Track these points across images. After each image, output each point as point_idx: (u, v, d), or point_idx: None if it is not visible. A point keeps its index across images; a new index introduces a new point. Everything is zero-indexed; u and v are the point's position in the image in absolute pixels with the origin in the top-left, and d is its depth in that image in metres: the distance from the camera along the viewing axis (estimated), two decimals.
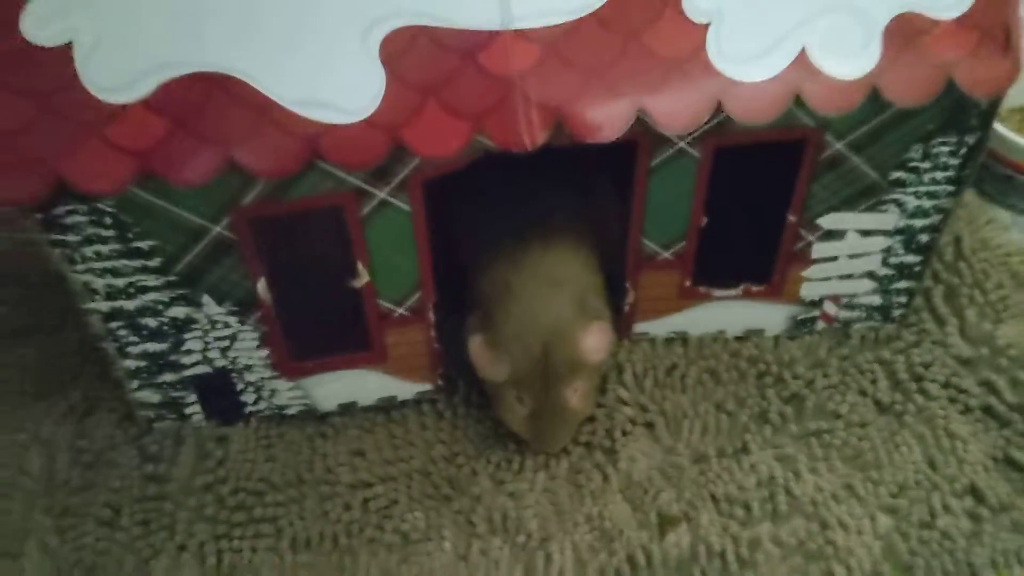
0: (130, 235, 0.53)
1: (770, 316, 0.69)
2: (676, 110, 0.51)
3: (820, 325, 0.69)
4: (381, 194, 0.54)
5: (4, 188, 0.48)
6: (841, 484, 0.61)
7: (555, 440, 0.63)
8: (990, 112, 0.56)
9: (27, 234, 0.80)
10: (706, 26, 0.51)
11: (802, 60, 0.52)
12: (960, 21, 0.52)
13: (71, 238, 0.53)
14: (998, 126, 0.76)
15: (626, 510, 0.61)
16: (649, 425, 0.66)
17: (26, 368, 0.70)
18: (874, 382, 0.66)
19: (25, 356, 0.71)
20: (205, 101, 0.49)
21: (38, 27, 0.48)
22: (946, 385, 0.66)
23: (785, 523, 0.59)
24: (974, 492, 0.60)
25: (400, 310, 0.61)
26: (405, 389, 0.66)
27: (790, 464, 0.62)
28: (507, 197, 0.66)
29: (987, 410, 0.65)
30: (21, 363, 0.70)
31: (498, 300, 0.62)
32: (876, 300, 0.68)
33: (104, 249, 0.54)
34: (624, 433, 0.65)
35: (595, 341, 0.60)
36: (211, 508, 0.61)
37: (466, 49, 0.50)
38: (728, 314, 0.68)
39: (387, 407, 0.67)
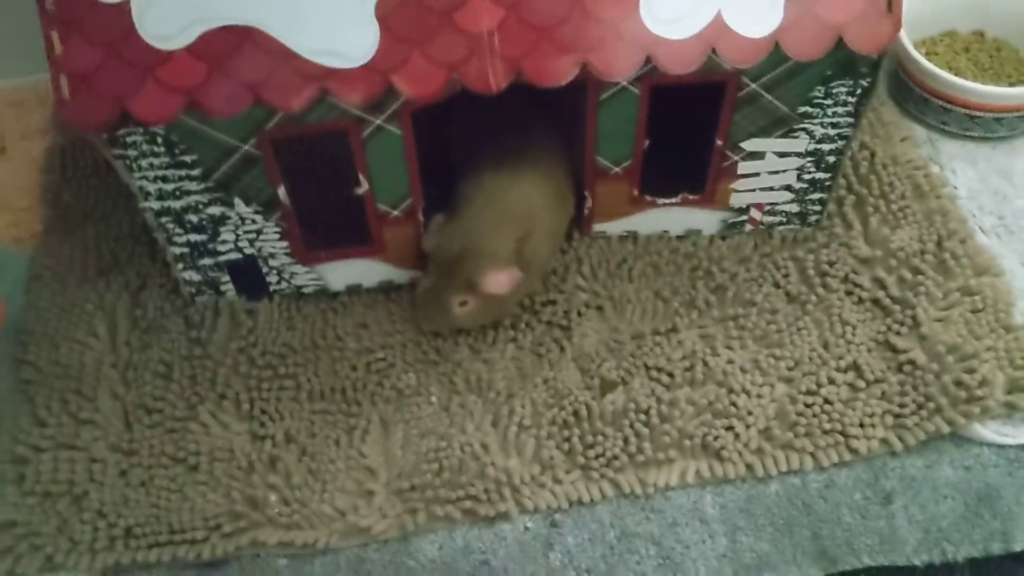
0: (177, 151, 0.67)
1: (706, 219, 0.82)
2: (613, 61, 0.64)
3: (747, 227, 0.83)
4: (377, 121, 0.67)
5: (82, 116, 0.62)
6: (749, 359, 0.76)
7: (427, 321, 0.76)
8: (878, 61, 0.67)
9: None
10: None
11: (717, 21, 0.63)
12: None
13: (131, 153, 0.66)
14: (916, 54, 0.87)
15: (576, 375, 0.76)
16: (600, 308, 0.80)
17: (88, 249, 0.84)
18: (786, 276, 0.80)
19: (87, 238, 0.85)
20: (236, 49, 0.62)
21: None
22: (845, 280, 0.79)
23: (700, 388, 0.74)
24: (856, 368, 0.75)
25: (395, 212, 0.75)
26: (400, 275, 0.80)
27: (710, 342, 0.77)
28: (492, 120, 0.78)
29: (875, 302, 0.78)
30: (84, 244, 0.85)
31: (462, 203, 0.75)
32: (794, 208, 0.81)
33: (156, 162, 0.67)
34: (579, 314, 0.79)
35: (496, 280, 0.70)
36: (244, 366, 0.76)
37: (444, 10, 0.62)
38: (670, 218, 0.81)
39: (386, 289, 0.81)
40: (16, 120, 0.97)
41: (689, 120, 0.73)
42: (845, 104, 0.71)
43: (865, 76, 0.68)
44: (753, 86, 0.69)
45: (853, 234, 0.82)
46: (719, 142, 0.74)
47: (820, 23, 0.64)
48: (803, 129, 0.73)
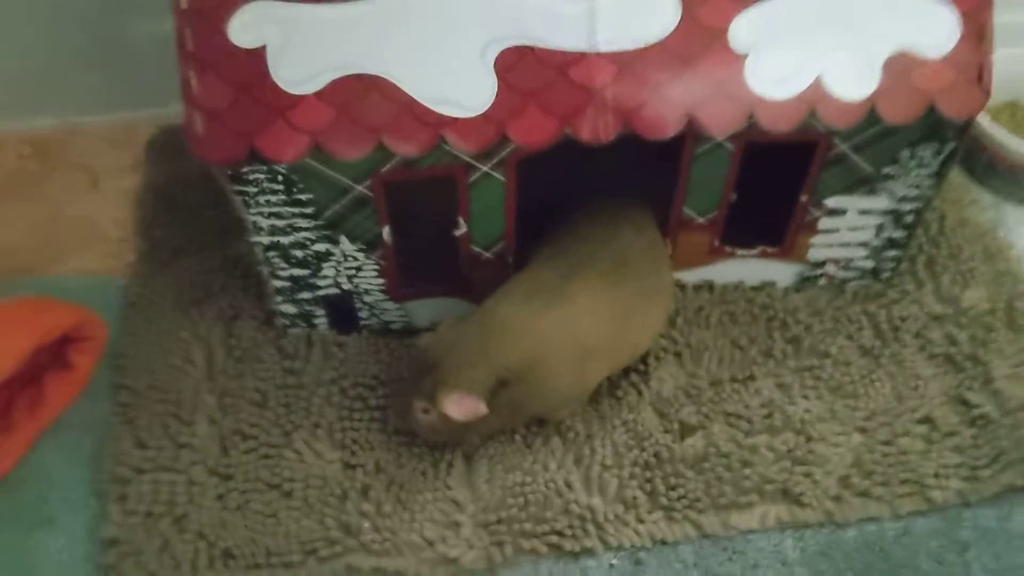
0: (294, 190, 0.70)
1: (781, 272, 0.85)
2: (718, 118, 0.67)
3: (822, 281, 0.86)
4: (484, 168, 0.70)
5: (213, 151, 0.65)
6: (825, 408, 0.78)
7: (395, 415, 0.77)
8: (965, 127, 0.71)
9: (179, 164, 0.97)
10: (745, 56, 0.66)
11: (817, 84, 0.67)
12: (944, 60, 0.67)
13: (250, 189, 0.69)
14: (985, 122, 0.90)
15: (654, 419, 0.78)
16: (677, 354, 0.82)
17: (182, 280, 0.87)
18: (860, 329, 0.83)
19: (180, 270, 0.88)
20: (363, 96, 0.65)
21: (241, 33, 0.65)
22: (917, 335, 0.82)
23: (779, 435, 0.77)
24: (929, 421, 0.77)
25: (487, 254, 0.78)
26: None
27: (787, 391, 0.79)
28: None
29: (947, 358, 0.81)
30: (179, 276, 0.88)
31: (475, 313, 0.72)
32: (869, 264, 0.84)
33: (273, 199, 0.70)
34: (657, 359, 0.82)
35: (451, 402, 0.66)
36: (336, 397, 0.79)
37: (560, 65, 0.66)
38: (747, 269, 0.84)
39: None
40: (108, 156, 1.01)
41: (775, 177, 0.76)
42: (929, 166, 0.74)
43: (950, 140, 0.72)
44: (843, 147, 0.72)
45: (924, 291, 0.85)
46: (804, 198, 0.77)
47: (914, 90, 0.67)
48: (886, 189, 0.76)
